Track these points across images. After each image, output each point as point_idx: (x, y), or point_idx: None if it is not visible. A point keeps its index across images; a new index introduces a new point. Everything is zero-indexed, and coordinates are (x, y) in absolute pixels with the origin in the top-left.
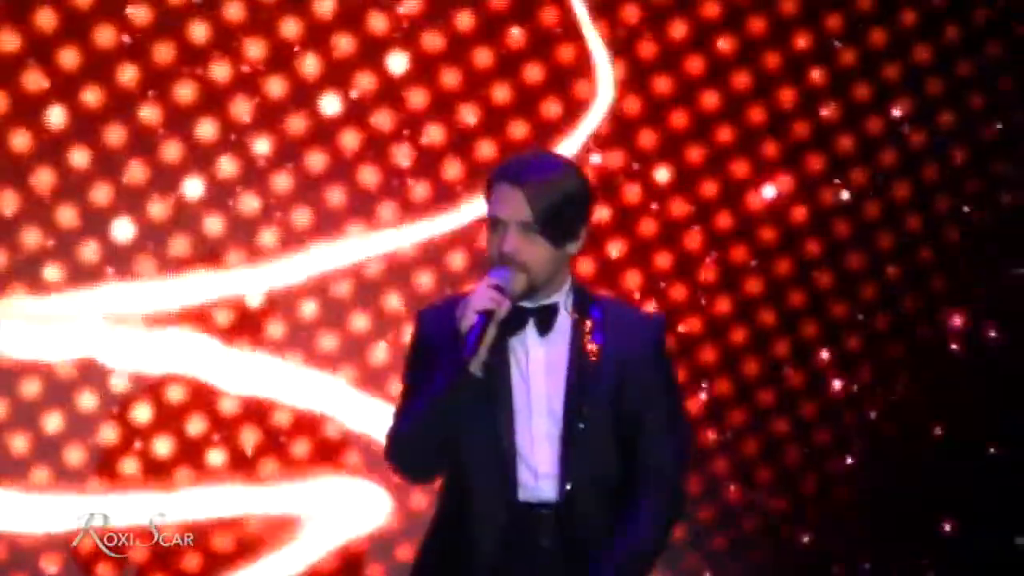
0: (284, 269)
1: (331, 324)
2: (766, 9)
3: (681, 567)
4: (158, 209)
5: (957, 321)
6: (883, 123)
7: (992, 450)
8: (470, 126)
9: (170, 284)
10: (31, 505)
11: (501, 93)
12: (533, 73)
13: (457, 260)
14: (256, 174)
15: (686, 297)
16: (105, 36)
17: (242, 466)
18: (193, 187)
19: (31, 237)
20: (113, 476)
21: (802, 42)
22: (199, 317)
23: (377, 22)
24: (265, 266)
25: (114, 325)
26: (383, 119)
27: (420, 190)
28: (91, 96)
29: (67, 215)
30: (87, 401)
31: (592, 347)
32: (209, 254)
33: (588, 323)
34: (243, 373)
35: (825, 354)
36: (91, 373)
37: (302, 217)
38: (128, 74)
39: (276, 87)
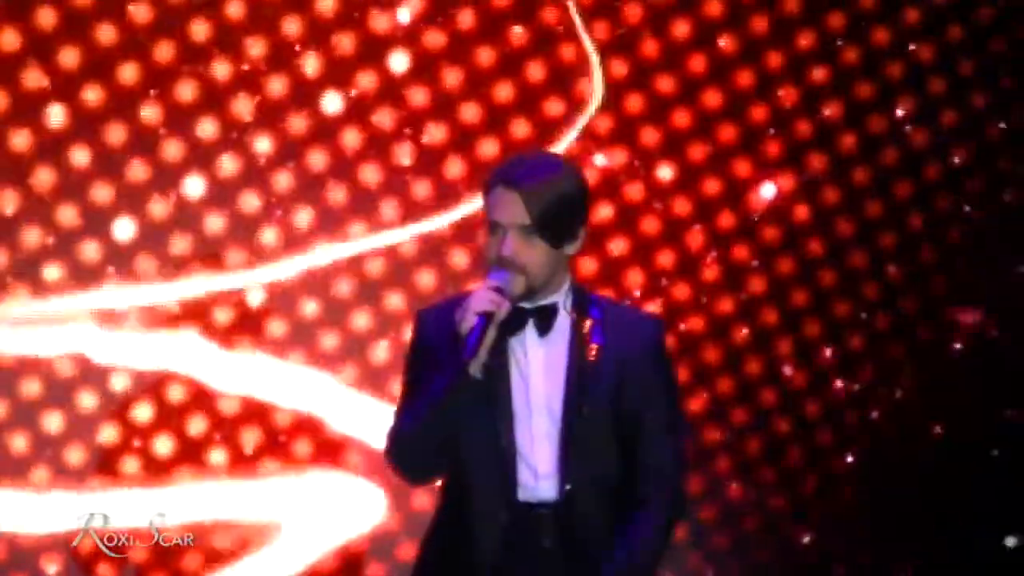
0: (285, 268)
1: (332, 323)
2: (768, 8)
3: (683, 567)
4: (159, 208)
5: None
6: (886, 122)
7: (994, 451)
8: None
9: (171, 283)
10: (31, 505)
11: (503, 91)
12: (535, 71)
13: (459, 259)
14: (257, 173)
15: (688, 296)
16: (106, 35)
17: (242, 466)
18: (194, 186)
19: (31, 236)
20: (113, 476)
21: (804, 41)
22: (200, 316)
23: (378, 21)
24: (266, 265)
25: (114, 325)
26: (384, 118)
27: (421, 189)
28: (91, 95)
29: (67, 214)
30: (87, 401)
31: (591, 347)
32: (210, 253)
33: (587, 323)
34: (243, 373)
35: (828, 353)
36: (91, 373)
37: (303, 216)
38: (129, 73)
39: (277, 86)
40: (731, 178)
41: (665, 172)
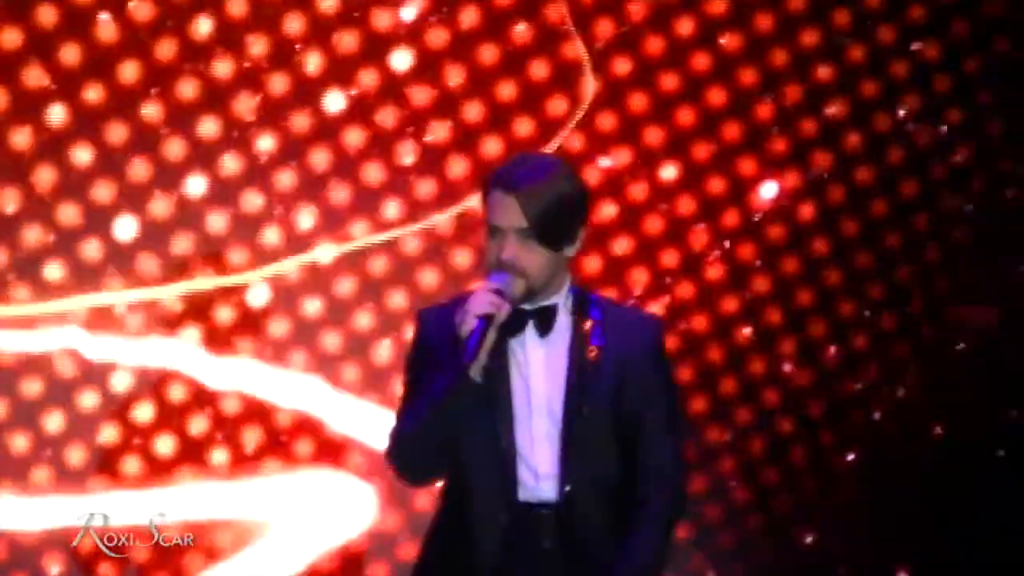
0: (287, 267)
1: (334, 323)
2: (773, 6)
3: (685, 567)
4: (160, 207)
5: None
6: (890, 121)
7: (999, 452)
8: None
9: (172, 283)
10: (31, 505)
11: (506, 90)
12: (538, 70)
13: (461, 258)
14: (259, 172)
15: (693, 295)
16: (107, 33)
17: (243, 466)
18: (195, 185)
19: (32, 235)
20: (114, 476)
21: (809, 39)
22: (201, 316)
23: (381, 19)
24: (268, 264)
25: (115, 324)
26: (387, 116)
27: (424, 187)
28: (93, 93)
29: (69, 213)
30: (87, 400)
31: (591, 347)
32: (211, 253)
33: (587, 324)
34: (244, 372)
35: (832, 352)
36: (91, 373)
37: (305, 215)
38: (130, 71)
39: (279, 84)
40: (735, 177)
41: (669, 171)
